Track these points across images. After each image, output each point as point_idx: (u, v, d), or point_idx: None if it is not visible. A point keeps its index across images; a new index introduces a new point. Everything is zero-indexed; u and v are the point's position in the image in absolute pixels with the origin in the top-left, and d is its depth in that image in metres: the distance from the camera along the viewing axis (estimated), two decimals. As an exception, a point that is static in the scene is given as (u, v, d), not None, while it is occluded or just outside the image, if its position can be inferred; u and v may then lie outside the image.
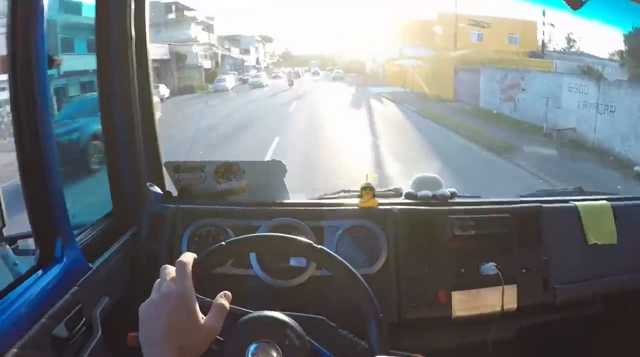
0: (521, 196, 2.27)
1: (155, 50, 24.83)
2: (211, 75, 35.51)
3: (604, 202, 2.11)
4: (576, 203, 2.09)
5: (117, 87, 1.82)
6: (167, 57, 30.31)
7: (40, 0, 1.28)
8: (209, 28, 39.80)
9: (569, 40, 24.16)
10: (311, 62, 59.21)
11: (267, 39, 57.61)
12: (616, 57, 18.47)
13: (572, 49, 23.99)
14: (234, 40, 47.90)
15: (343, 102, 25.47)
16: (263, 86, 36.73)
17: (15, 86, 1.28)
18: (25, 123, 1.29)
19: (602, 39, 24.57)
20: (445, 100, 22.91)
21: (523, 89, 17.62)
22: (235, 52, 47.17)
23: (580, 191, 2.35)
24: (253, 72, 45.87)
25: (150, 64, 2.01)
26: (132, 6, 1.83)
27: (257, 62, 52.07)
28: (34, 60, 1.28)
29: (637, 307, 2.19)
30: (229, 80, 34.69)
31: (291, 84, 39.98)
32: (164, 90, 26.50)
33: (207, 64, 37.22)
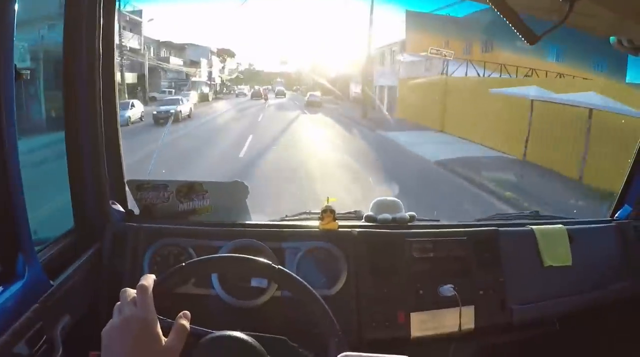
0: (479, 220, 2.35)
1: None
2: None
3: (560, 225, 2.20)
4: (532, 227, 2.17)
5: (83, 103, 1.82)
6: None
7: (11, 12, 1.28)
8: (132, 26, 28.77)
9: None
10: (276, 80, 49.26)
11: (228, 53, 48.18)
12: None
13: None
14: (175, 47, 37.58)
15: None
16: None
17: None
18: None
19: None
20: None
21: None
22: (176, 62, 36.88)
23: (536, 215, 2.45)
24: (205, 89, 38.24)
25: (116, 80, 2.02)
26: (101, 22, 1.83)
27: (210, 77, 42.32)
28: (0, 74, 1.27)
29: (590, 326, 2.29)
30: (136, 109, 21.37)
31: (266, 99, 38.21)
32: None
33: (119, 77, 20.79)
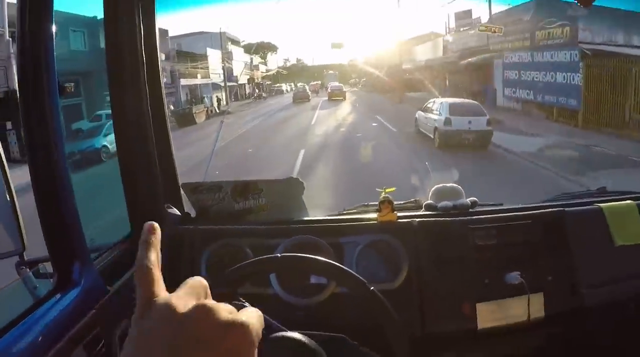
0: (544, 201, 2.24)
1: None
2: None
3: (629, 201, 2.07)
4: (600, 205, 2.05)
5: (130, 110, 1.83)
6: None
7: (49, 27, 1.31)
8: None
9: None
10: (327, 72, 38.08)
11: (268, 47, 37.71)
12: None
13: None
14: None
15: None
16: None
17: (27, 114, 1.31)
18: (39, 148, 1.32)
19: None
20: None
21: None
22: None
23: (603, 192, 2.31)
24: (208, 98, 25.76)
25: (162, 84, 2.02)
26: (142, 27, 1.83)
27: (228, 76, 29.29)
28: (46, 89, 1.31)
29: None
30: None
31: (317, 93, 30.35)
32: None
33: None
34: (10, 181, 1.35)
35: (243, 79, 32.49)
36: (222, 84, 28.26)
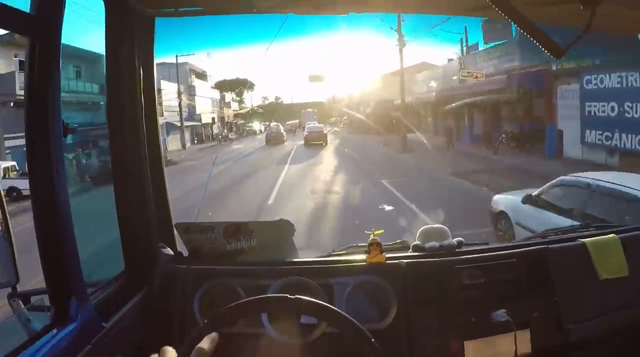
0: (528, 238, 2.30)
1: None
2: None
3: (612, 235, 2.12)
4: (583, 240, 2.10)
5: (129, 151, 1.89)
6: None
7: (57, 70, 1.36)
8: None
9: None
10: (305, 111, 35.64)
11: (244, 84, 36.59)
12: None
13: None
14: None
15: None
16: None
17: (32, 153, 1.36)
18: (42, 187, 1.36)
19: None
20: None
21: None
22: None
23: (587, 226, 2.36)
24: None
25: (159, 127, 2.08)
26: (141, 73, 1.91)
27: (190, 114, 27.00)
28: (50, 129, 1.35)
29: None
30: None
31: (294, 131, 28.50)
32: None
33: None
34: (8, 214, 1.39)
35: (207, 118, 29.66)
36: (179, 124, 24.24)
